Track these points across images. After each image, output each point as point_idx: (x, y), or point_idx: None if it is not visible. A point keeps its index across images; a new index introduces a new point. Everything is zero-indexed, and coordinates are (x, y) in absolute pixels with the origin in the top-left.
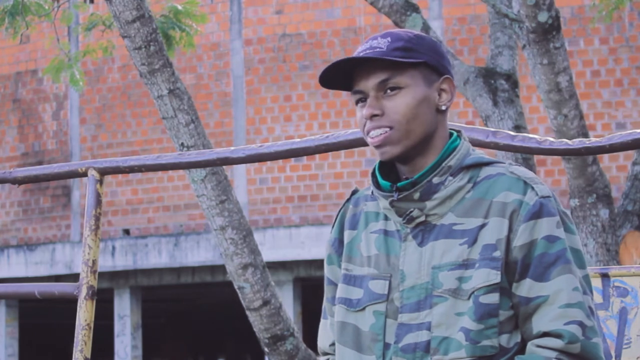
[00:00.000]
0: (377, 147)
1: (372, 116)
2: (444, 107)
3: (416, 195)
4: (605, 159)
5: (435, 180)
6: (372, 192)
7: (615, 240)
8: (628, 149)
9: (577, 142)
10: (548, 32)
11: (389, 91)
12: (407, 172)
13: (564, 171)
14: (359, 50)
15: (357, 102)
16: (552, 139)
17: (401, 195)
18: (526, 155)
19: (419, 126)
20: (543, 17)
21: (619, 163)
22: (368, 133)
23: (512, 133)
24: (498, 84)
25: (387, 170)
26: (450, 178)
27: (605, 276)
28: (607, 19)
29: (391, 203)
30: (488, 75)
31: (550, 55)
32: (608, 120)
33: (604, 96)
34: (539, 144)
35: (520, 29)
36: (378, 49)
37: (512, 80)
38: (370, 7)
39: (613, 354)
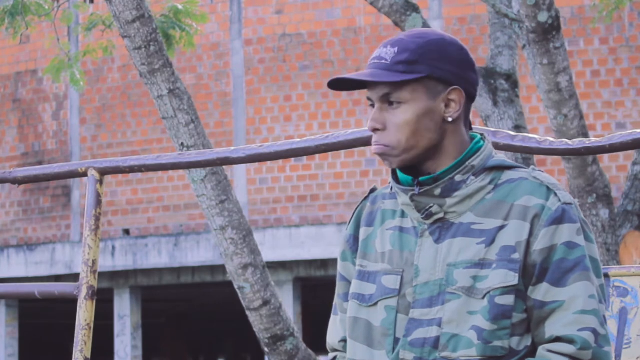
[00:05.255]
0: (379, 156)
1: (375, 130)
2: (450, 119)
3: (437, 191)
4: (605, 159)
5: (458, 178)
6: (390, 190)
7: (615, 240)
8: (628, 149)
9: (577, 142)
10: (548, 32)
11: (392, 104)
12: (429, 169)
13: (564, 171)
14: (373, 55)
15: (370, 105)
16: (552, 139)
17: (422, 190)
18: (526, 155)
19: (420, 140)
20: (543, 17)
21: (619, 163)
22: (373, 141)
23: (512, 133)
24: (498, 84)
25: (407, 168)
26: (472, 177)
27: (605, 276)
28: (607, 19)
29: (411, 197)
30: (488, 75)
31: (550, 55)
32: (608, 120)
33: (604, 96)
34: (539, 144)
35: (520, 29)
36: (383, 62)
37: (512, 80)
38: (370, 7)
39: (613, 354)
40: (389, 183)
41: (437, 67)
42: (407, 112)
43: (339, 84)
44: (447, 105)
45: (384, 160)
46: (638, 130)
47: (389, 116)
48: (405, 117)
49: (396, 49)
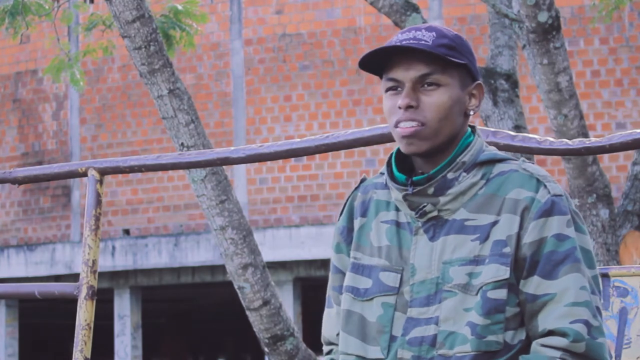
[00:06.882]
0: (405, 137)
1: (408, 107)
2: (471, 112)
3: (430, 190)
4: (605, 159)
5: (450, 175)
6: (385, 182)
7: (615, 240)
8: (628, 149)
9: (577, 142)
10: (548, 32)
11: (426, 86)
12: (423, 167)
13: (564, 171)
14: (401, 38)
15: (387, 90)
16: (552, 139)
17: (416, 190)
18: (526, 155)
19: (448, 126)
20: (543, 17)
21: (619, 163)
22: (398, 123)
23: (512, 133)
24: (498, 84)
25: (402, 162)
26: (464, 174)
27: (605, 276)
28: (607, 19)
29: (404, 197)
30: (488, 75)
31: (550, 55)
32: (608, 120)
33: (604, 96)
34: (539, 144)
35: (520, 29)
36: (423, 42)
37: (512, 80)
38: (370, 7)
39: (613, 354)
40: (380, 173)
41: (469, 59)
42: (444, 95)
43: (371, 62)
44: (469, 99)
45: (407, 144)
46: (638, 130)
47: (423, 96)
48: (443, 99)
49: (434, 33)
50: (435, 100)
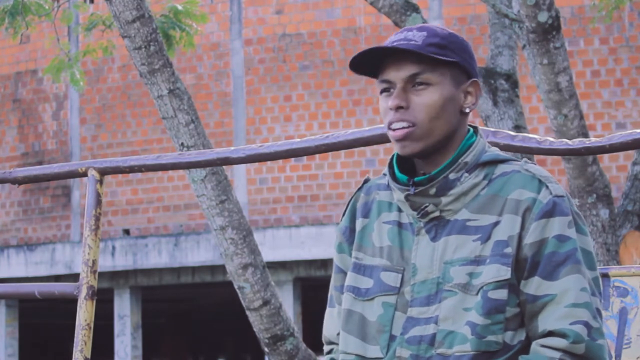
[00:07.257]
0: (398, 141)
1: (398, 108)
2: (467, 110)
3: (432, 191)
4: (605, 159)
5: (452, 176)
6: (387, 183)
7: (615, 240)
8: (628, 149)
9: (577, 142)
10: (548, 32)
11: (417, 86)
12: (424, 167)
13: (564, 171)
14: (392, 40)
15: (381, 92)
16: (552, 139)
17: (417, 190)
18: (526, 155)
19: (442, 125)
20: (543, 17)
21: (619, 163)
22: (391, 124)
23: (512, 133)
24: (498, 84)
25: (404, 162)
26: (466, 174)
27: (605, 276)
28: (607, 19)
29: (406, 197)
30: (488, 75)
31: (550, 55)
32: (608, 120)
33: (604, 96)
34: (539, 144)
35: (520, 29)
36: (413, 42)
37: (512, 80)
38: (370, 7)
39: (613, 354)
40: (383, 174)
41: (462, 57)
42: (434, 94)
43: (359, 65)
44: (465, 97)
45: (402, 147)
46: (638, 130)
47: (413, 97)
48: (433, 98)
49: (425, 33)
50: (425, 100)
